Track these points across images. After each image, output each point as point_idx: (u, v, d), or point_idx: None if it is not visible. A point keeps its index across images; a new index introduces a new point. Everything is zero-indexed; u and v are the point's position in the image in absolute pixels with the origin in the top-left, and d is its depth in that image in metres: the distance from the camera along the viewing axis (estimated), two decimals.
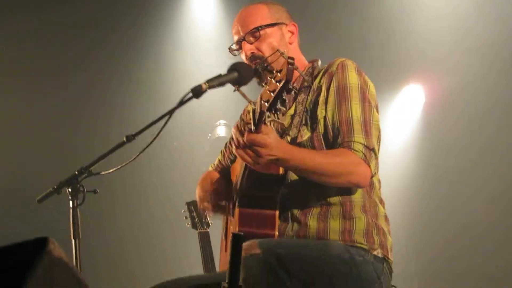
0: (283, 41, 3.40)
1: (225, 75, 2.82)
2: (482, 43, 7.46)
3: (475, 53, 7.52)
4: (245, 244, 2.81)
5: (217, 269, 4.23)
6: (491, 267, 7.21)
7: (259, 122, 2.74)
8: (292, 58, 2.60)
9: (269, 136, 2.78)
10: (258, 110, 2.73)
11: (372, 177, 3.12)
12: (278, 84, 2.61)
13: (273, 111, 2.68)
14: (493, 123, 7.51)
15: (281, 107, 2.66)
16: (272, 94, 2.63)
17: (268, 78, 2.71)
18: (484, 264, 7.25)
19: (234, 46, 3.49)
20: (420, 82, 8.15)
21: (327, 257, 3.01)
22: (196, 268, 5.14)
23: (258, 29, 3.37)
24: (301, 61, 3.50)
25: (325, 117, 3.18)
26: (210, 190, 3.65)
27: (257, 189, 3.11)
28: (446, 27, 7.67)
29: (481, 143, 7.55)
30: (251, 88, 3.04)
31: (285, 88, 2.62)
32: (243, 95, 2.90)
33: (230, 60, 3.11)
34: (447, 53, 7.69)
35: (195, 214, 5.09)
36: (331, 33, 7.79)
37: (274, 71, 2.69)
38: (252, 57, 3.35)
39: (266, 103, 2.66)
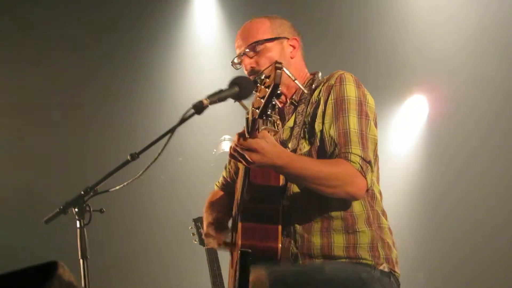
0: (283, 55, 3.40)
1: (226, 90, 2.82)
2: (486, 53, 7.47)
3: (478, 63, 7.53)
4: (253, 275, 2.81)
5: (225, 284, 4.22)
6: (498, 275, 7.18)
7: (252, 129, 2.73)
8: (280, 62, 2.60)
9: (265, 140, 2.77)
10: (251, 118, 2.72)
11: (367, 190, 3.10)
12: (267, 89, 2.61)
13: (264, 117, 2.67)
14: (497, 131, 7.51)
15: (273, 114, 2.66)
16: (262, 100, 2.63)
17: (258, 84, 2.72)
18: (492, 272, 7.23)
19: (236, 60, 3.50)
20: (424, 93, 8.16)
21: (336, 280, 3.01)
22: (204, 285, 5.13)
23: (257, 43, 3.39)
24: (303, 74, 3.50)
25: (322, 131, 3.18)
26: (211, 222, 3.61)
27: (258, 201, 3.10)
28: (450, 37, 7.67)
29: (485, 151, 7.54)
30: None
31: (275, 93, 2.61)
32: (244, 106, 2.92)
33: (233, 73, 3.12)
34: (451, 64, 7.69)
35: (202, 231, 5.09)
36: (336, 45, 7.81)
37: (263, 77, 2.70)
38: (252, 72, 3.37)
39: (257, 110, 2.65)
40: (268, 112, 2.65)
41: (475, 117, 7.67)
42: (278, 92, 2.62)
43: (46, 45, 7.73)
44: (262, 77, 2.74)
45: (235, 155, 2.83)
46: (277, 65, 2.58)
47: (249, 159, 2.77)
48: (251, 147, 2.75)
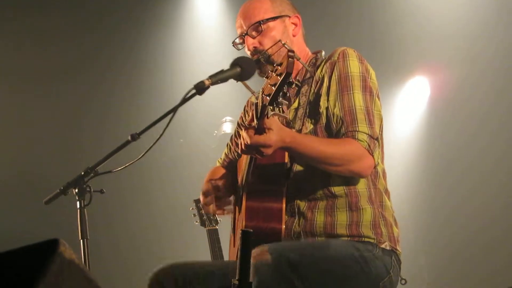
0: (286, 34, 3.39)
1: (227, 70, 2.81)
2: (488, 35, 7.45)
3: (480, 45, 7.51)
4: (255, 250, 2.83)
5: None
6: (500, 256, 7.20)
7: (261, 116, 2.75)
8: (292, 51, 2.60)
9: (272, 130, 2.79)
10: (260, 104, 2.73)
11: (375, 166, 3.13)
12: (279, 77, 2.61)
13: (274, 105, 2.68)
14: (497, 113, 7.50)
15: (283, 101, 2.66)
16: (273, 88, 2.63)
17: (269, 71, 2.71)
18: (493, 253, 7.24)
19: (237, 40, 3.47)
20: (425, 75, 8.14)
21: (338, 257, 3.01)
22: None
23: (260, 23, 3.36)
24: (305, 53, 3.49)
25: (327, 108, 3.18)
26: (213, 191, 3.60)
27: (263, 183, 3.11)
28: (451, 19, 7.65)
29: (486, 133, 7.54)
30: (255, 80, 3.04)
31: (286, 82, 2.61)
32: (247, 86, 2.91)
33: (234, 55, 3.10)
34: (452, 46, 7.68)
35: (203, 212, 5.09)
36: (338, 25, 7.79)
37: (275, 64, 2.69)
38: (255, 51, 3.35)
39: (267, 97, 2.66)
40: (279, 99, 2.65)
41: (476, 99, 7.65)
42: (290, 80, 2.62)
43: (47, 27, 7.70)
44: (269, 59, 2.73)
45: (246, 150, 2.87)
46: (290, 53, 2.58)
47: (262, 152, 2.82)
48: (259, 144, 2.79)
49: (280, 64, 2.64)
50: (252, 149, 2.83)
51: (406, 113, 8.30)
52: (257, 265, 2.76)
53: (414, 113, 8.30)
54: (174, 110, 2.85)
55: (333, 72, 3.21)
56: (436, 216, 7.81)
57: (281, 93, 2.64)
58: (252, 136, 2.79)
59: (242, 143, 2.85)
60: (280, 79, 2.60)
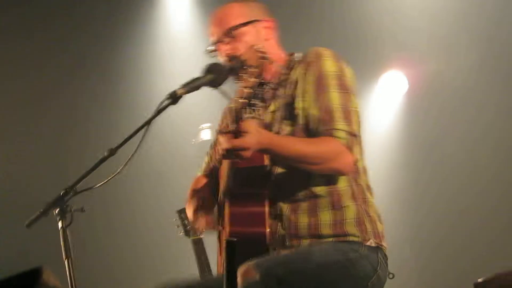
0: (259, 38, 3.37)
1: (200, 77, 2.81)
2: (463, 27, 7.50)
3: (453, 37, 7.56)
4: (241, 268, 2.82)
5: (214, 273, 4.20)
6: (485, 242, 7.25)
7: (237, 120, 2.76)
8: (264, 53, 2.60)
9: (249, 133, 2.79)
10: (235, 108, 2.74)
11: (355, 163, 3.13)
12: (251, 80, 2.63)
13: (249, 108, 2.69)
14: (474, 100, 7.55)
15: (258, 103, 2.67)
16: (247, 90, 2.66)
17: (242, 74, 2.71)
18: (479, 239, 7.29)
19: (210, 48, 3.46)
20: (400, 68, 8.17)
21: (325, 266, 3.01)
22: (193, 276, 5.11)
23: (232, 29, 3.36)
24: (280, 55, 3.47)
25: (304, 108, 3.18)
26: (197, 201, 3.59)
27: (244, 187, 3.12)
28: (426, 12, 7.69)
29: (463, 122, 7.60)
30: (232, 86, 3.04)
31: (260, 83, 2.61)
32: (223, 93, 2.91)
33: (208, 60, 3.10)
34: (426, 38, 7.71)
35: (186, 222, 5.08)
36: (311, 24, 7.80)
37: (247, 68, 2.69)
38: (229, 58, 3.33)
39: (242, 100, 2.68)
40: (254, 102, 2.65)
41: (452, 88, 7.70)
42: (262, 82, 2.63)
43: (20, 51, 7.66)
44: (244, 65, 2.74)
45: (225, 155, 2.86)
46: (262, 55, 2.58)
47: (240, 155, 2.82)
48: (236, 147, 2.79)
49: (252, 67, 2.64)
50: (230, 153, 2.82)
51: (383, 107, 8.33)
52: (244, 284, 2.76)
53: (391, 107, 8.33)
54: (148, 122, 2.83)
55: (308, 73, 3.21)
56: (418, 207, 7.85)
57: (255, 96, 2.64)
58: (229, 140, 2.78)
59: (220, 148, 2.84)
60: (253, 81, 2.61)
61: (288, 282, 2.88)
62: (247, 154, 2.81)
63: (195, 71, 2.94)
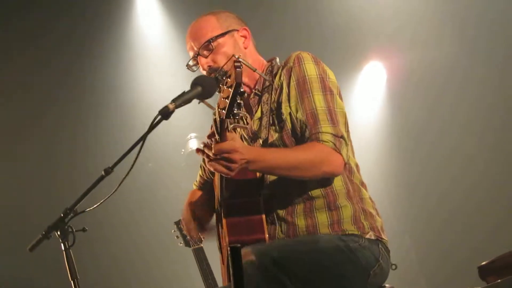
0: (237, 48, 3.41)
1: (189, 91, 2.83)
2: (439, 17, 7.58)
3: (430, 25, 7.63)
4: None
5: (218, 282, 4.22)
6: (482, 228, 7.30)
7: (222, 130, 2.76)
8: (239, 60, 2.63)
9: (235, 141, 2.80)
10: (218, 119, 2.75)
11: (345, 164, 3.14)
12: (230, 89, 2.64)
13: (231, 117, 2.70)
14: (453, 87, 7.67)
15: (239, 112, 2.69)
16: (226, 100, 2.66)
17: (220, 85, 2.74)
18: (475, 221, 7.35)
19: (191, 62, 3.50)
20: (379, 59, 8.23)
21: (322, 249, 3.04)
22: (198, 286, 5.14)
23: (210, 41, 3.39)
24: (260, 62, 3.51)
25: (290, 114, 3.22)
26: (194, 216, 3.63)
27: (238, 196, 3.13)
28: (401, 3, 7.76)
29: (446, 106, 7.74)
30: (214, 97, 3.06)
31: (238, 92, 2.64)
32: (208, 105, 2.94)
33: (191, 74, 3.13)
34: (402, 27, 7.78)
35: (185, 232, 5.09)
36: (287, 26, 7.83)
37: (224, 78, 2.72)
38: (210, 70, 3.36)
39: (223, 111, 2.68)
40: (235, 111, 2.67)
41: (431, 76, 7.78)
42: (241, 90, 2.64)
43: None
44: (223, 78, 2.76)
45: (215, 165, 2.82)
46: (236, 63, 2.61)
47: (230, 162, 2.79)
48: (228, 150, 2.77)
49: (229, 76, 2.67)
50: (218, 159, 2.80)
51: (366, 99, 8.38)
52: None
53: (374, 98, 8.39)
54: (143, 138, 2.86)
55: (291, 78, 3.25)
56: (413, 195, 7.91)
57: (235, 104, 2.67)
58: (215, 144, 2.78)
59: (207, 156, 2.83)
60: (231, 90, 2.63)
61: (284, 264, 2.90)
62: (236, 156, 2.77)
63: (175, 84, 2.97)
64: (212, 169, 2.87)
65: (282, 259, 2.92)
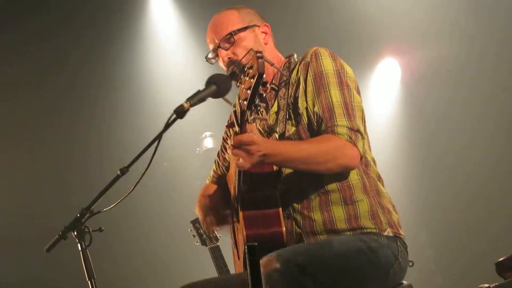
0: (258, 43, 3.46)
1: (204, 90, 2.82)
2: (450, 13, 7.56)
3: (444, 22, 7.63)
4: (263, 260, 2.83)
5: None
6: (498, 222, 7.27)
7: (242, 121, 2.78)
8: (261, 52, 2.63)
9: (254, 133, 2.81)
10: (239, 110, 2.77)
11: (361, 157, 3.14)
12: (252, 80, 2.64)
13: (253, 108, 2.72)
14: (467, 83, 7.63)
15: (260, 103, 2.69)
16: (248, 91, 2.67)
17: (242, 77, 2.74)
18: (491, 220, 7.32)
19: (210, 55, 3.54)
20: (394, 56, 8.22)
21: (346, 253, 3.03)
22: None
23: (231, 34, 3.43)
24: (278, 59, 3.54)
25: (307, 108, 3.23)
26: (208, 205, 3.66)
27: (255, 190, 3.13)
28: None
29: (458, 104, 7.72)
30: (233, 92, 3.06)
31: (260, 82, 2.64)
32: (226, 100, 2.94)
33: (204, 72, 3.13)
34: (416, 24, 7.77)
35: (202, 231, 5.10)
36: (301, 24, 7.84)
37: (245, 69, 2.72)
38: (230, 62, 3.41)
39: (245, 102, 2.69)
40: (256, 102, 2.68)
41: (444, 72, 7.77)
42: (263, 81, 2.65)
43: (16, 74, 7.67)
44: (244, 68, 2.77)
45: (237, 151, 2.84)
46: (258, 54, 2.61)
47: (248, 153, 2.81)
48: (247, 142, 2.79)
49: (251, 67, 2.68)
50: (237, 150, 2.83)
51: (381, 96, 8.37)
52: (267, 274, 2.77)
53: (389, 95, 8.37)
54: (158, 137, 2.85)
55: (308, 73, 3.26)
56: (429, 190, 7.90)
57: (257, 95, 2.68)
58: (235, 136, 2.81)
59: (229, 148, 2.86)
60: (253, 81, 2.63)
61: (309, 268, 2.89)
62: (254, 149, 2.80)
63: (187, 83, 2.97)
64: (234, 156, 2.89)
65: (305, 263, 2.90)
